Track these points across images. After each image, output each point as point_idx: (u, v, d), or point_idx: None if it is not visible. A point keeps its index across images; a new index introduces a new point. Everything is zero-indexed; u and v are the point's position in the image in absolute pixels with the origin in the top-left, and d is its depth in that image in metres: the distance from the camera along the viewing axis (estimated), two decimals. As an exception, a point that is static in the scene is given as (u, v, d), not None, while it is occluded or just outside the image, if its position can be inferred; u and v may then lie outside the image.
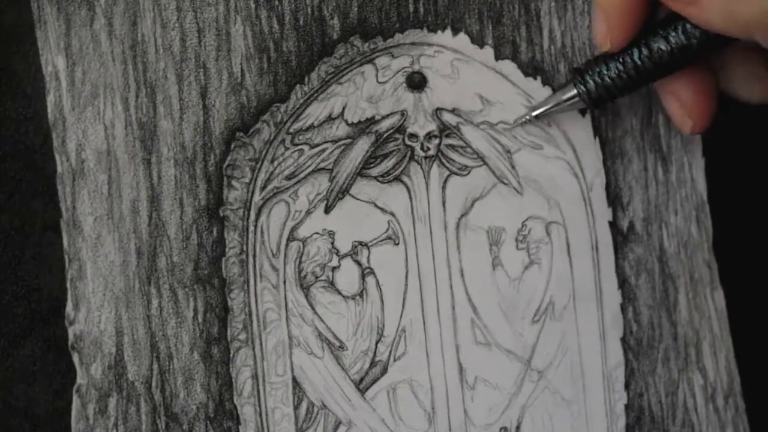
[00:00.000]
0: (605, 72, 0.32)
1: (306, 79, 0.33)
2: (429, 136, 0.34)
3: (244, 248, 0.32)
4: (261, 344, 0.32)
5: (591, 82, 0.32)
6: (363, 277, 0.33)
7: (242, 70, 0.32)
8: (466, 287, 0.34)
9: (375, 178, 0.33)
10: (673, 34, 0.30)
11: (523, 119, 0.34)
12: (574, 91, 0.32)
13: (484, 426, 0.34)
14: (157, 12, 0.32)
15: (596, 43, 0.32)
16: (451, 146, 0.34)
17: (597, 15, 0.31)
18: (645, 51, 0.31)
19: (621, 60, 0.31)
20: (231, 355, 0.32)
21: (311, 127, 0.33)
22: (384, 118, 0.33)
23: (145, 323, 0.31)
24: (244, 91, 0.32)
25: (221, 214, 0.32)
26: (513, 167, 0.35)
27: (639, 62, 0.31)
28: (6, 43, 0.32)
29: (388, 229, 0.34)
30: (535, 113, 0.34)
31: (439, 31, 0.34)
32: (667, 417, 0.36)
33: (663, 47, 0.30)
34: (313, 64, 0.33)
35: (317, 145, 0.33)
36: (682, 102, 0.33)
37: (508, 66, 0.34)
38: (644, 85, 0.32)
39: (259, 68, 0.32)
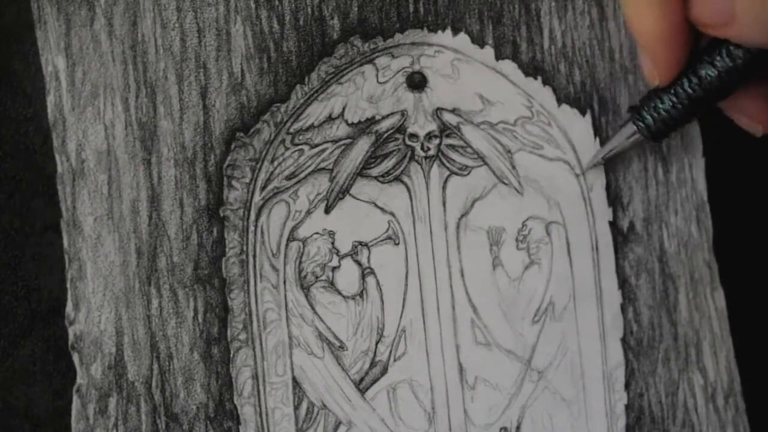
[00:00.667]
0: (660, 105, 0.32)
1: (306, 79, 0.33)
2: (429, 136, 0.34)
3: (244, 248, 0.32)
4: (261, 344, 0.32)
5: (648, 117, 0.32)
6: (363, 277, 0.33)
7: (242, 70, 0.32)
8: (466, 287, 0.34)
9: (375, 178, 0.33)
10: (718, 58, 0.30)
11: (594, 164, 0.35)
12: (634, 128, 0.33)
13: (484, 426, 0.34)
14: (157, 12, 0.32)
15: (646, 79, 0.32)
16: (452, 146, 0.34)
17: (640, 52, 0.32)
18: (695, 80, 0.31)
19: (673, 92, 0.31)
20: (231, 355, 0.32)
21: (311, 127, 0.33)
22: (384, 118, 0.33)
23: (145, 323, 0.31)
24: (244, 91, 0.32)
25: (221, 214, 0.32)
26: (513, 167, 0.35)
27: (691, 91, 0.31)
28: (6, 43, 0.32)
29: (388, 229, 0.34)
30: (602, 156, 0.34)
31: (440, 31, 0.34)
32: (667, 417, 0.36)
33: (711, 73, 0.30)
34: (313, 64, 0.33)
35: (317, 145, 0.33)
36: (746, 114, 0.33)
37: (509, 66, 0.34)
38: (704, 111, 0.32)
39: (259, 68, 0.32)
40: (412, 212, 0.34)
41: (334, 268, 0.33)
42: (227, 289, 0.32)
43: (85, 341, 0.31)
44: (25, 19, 0.31)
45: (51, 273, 0.32)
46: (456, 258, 0.34)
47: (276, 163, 0.33)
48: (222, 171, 0.32)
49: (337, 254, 0.33)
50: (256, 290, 0.32)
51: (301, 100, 0.33)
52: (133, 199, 0.32)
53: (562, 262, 0.35)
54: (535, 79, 0.35)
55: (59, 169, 0.31)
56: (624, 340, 0.35)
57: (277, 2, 0.32)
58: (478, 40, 0.34)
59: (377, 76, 0.33)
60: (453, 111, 0.34)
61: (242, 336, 0.32)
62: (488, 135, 0.34)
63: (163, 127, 0.32)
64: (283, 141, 0.33)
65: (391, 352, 0.33)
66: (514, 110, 0.34)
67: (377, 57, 0.33)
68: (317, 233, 0.33)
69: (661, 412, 0.36)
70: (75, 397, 0.31)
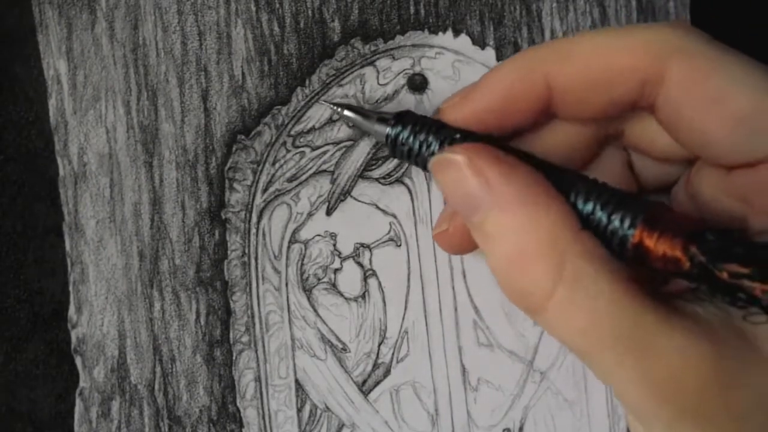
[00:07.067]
0: (420, 139, 0.27)
1: (307, 82, 0.33)
2: (430, 137, 0.34)
3: (246, 251, 0.32)
4: (264, 347, 0.32)
5: (404, 138, 0.28)
6: (365, 278, 0.33)
7: (243, 73, 0.32)
8: (468, 288, 0.34)
9: (376, 179, 0.33)
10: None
11: (335, 108, 0.31)
12: (386, 131, 0.28)
13: (487, 427, 0.34)
14: (158, 15, 0.32)
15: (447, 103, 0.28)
16: (453, 148, 0.34)
17: (478, 84, 0.26)
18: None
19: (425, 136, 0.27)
20: (234, 358, 0.32)
21: (312, 129, 0.33)
22: (385, 119, 0.33)
23: (148, 326, 0.31)
24: (245, 94, 0.32)
25: (223, 217, 0.32)
26: (514, 168, 0.34)
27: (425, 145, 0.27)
28: (8, 46, 0.32)
29: (389, 231, 0.34)
30: (347, 113, 0.30)
31: (441, 33, 0.34)
32: (669, 417, 0.36)
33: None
34: (314, 67, 0.33)
35: (318, 147, 0.33)
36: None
37: (509, 67, 0.34)
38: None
39: (260, 71, 0.32)
40: (414, 214, 0.34)
41: (336, 270, 0.33)
42: (229, 291, 0.32)
43: (88, 344, 0.31)
44: (26, 22, 0.31)
45: (53, 276, 0.32)
46: (458, 259, 0.34)
47: (277, 165, 0.33)
48: (223, 173, 0.32)
49: (338, 256, 0.33)
50: (258, 292, 0.32)
51: (302, 103, 0.33)
52: (134, 202, 0.32)
53: (563, 262, 0.35)
54: (536, 80, 0.35)
55: (61, 172, 0.31)
56: (626, 341, 0.35)
57: (277, 5, 0.32)
58: (479, 42, 0.34)
59: (378, 78, 0.33)
60: (454, 112, 0.34)
61: (245, 338, 0.32)
62: (489, 136, 0.34)
63: (165, 130, 0.32)
64: (284, 143, 0.33)
65: (393, 353, 0.33)
66: (515, 111, 0.34)
67: (378, 59, 0.33)
68: (319, 235, 0.33)
69: (663, 412, 0.36)
70: (78, 401, 0.31)
